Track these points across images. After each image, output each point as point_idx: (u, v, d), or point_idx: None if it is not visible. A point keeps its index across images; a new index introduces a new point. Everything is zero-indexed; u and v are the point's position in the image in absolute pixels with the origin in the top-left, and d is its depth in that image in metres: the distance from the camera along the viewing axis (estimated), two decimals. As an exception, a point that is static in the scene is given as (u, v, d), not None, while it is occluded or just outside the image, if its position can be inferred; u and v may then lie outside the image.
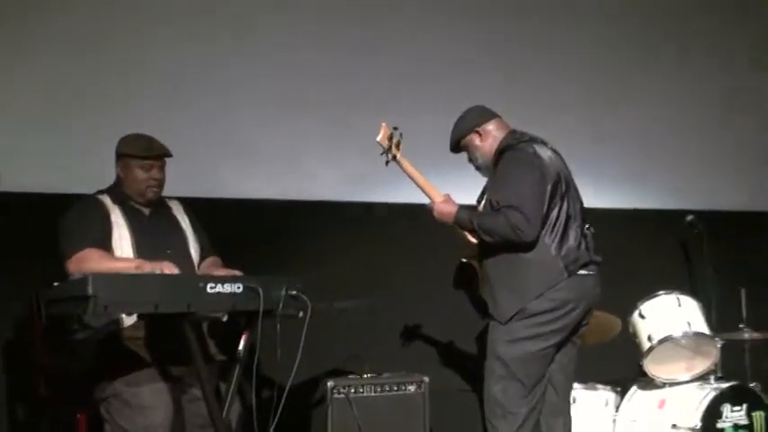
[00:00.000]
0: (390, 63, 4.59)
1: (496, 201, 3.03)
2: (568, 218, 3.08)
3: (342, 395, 3.68)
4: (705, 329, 4.05)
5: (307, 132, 4.38)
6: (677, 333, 3.98)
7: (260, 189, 4.26)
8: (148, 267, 2.78)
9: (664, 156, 5.23)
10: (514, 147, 3.11)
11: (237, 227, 4.02)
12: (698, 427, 3.75)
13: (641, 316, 4.10)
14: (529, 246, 2.99)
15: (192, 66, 4.16)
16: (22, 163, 3.76)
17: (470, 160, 3.32)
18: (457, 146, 3.32)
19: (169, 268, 2.79)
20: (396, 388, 3.80)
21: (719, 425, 3.82)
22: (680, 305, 4.08)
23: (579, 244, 3.08)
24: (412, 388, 3.82)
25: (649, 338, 4.02)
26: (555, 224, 3.04)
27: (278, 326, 2.68)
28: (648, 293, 4.15)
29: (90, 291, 2.29)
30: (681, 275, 4.96)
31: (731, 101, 5.48)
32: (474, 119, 3.26)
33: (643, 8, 5.33)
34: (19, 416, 3.58)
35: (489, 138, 3.23)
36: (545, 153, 3.10)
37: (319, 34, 4.44)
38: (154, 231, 3.09)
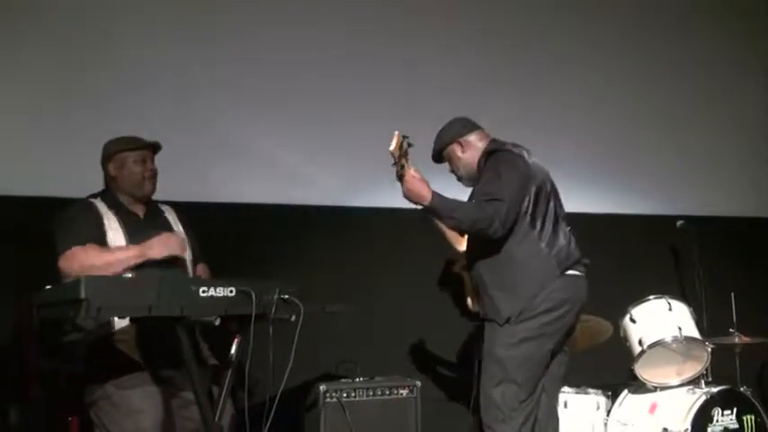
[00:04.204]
0: (384, 67, 4.60)
1: (484, 194, 3.02)
2: (557, 217, 3.12)
3: (334, 399, 3.68)
4: (696, 334, 4.07)
5: (298, 137, 4.39)
6: (668, 337, 4.00)
7: (251, 193, 4.25)
8: (147, 249, 2.88)
9: (655, 161, 5.26)
10: (503, 149, 3.16)
11: (229, 231, 4.02)
12: (689, 430, 3.77)
13: (632, 320, 4.12)
14: (520, 246, 3.02)
15: (182, 69, 4.16)
16: (7, 166, 3.77)
17: (452, 170, 3.34)
18: (439, 156, 3.35)
19: (163, 241, 2.90)
20: (388, 392, 3.79)
21: (710, 429, 3.85)
22: (671, 309, 4.10)
23: (569, 242, 3.13)
24: (404, 392, 3.82)
25: (640, 342, 4.03)
26: (544, 223, 3.07)
27: (270, 330, 2.67)
28: (639, 298, 4.17)
29: (83, 293, 2.26)
30: (671, 280, 4.98)
31: (722, 106, 5.51)
32: (456, 130, 3.29)
33: (635, 11, 5.36)
34: (11, 419, 3.55)
35: (471, 148, 3.25)
36: (529, 158, 3.16)
37: (312, 39, 4.45)
38: (149, 233, 3.06)
